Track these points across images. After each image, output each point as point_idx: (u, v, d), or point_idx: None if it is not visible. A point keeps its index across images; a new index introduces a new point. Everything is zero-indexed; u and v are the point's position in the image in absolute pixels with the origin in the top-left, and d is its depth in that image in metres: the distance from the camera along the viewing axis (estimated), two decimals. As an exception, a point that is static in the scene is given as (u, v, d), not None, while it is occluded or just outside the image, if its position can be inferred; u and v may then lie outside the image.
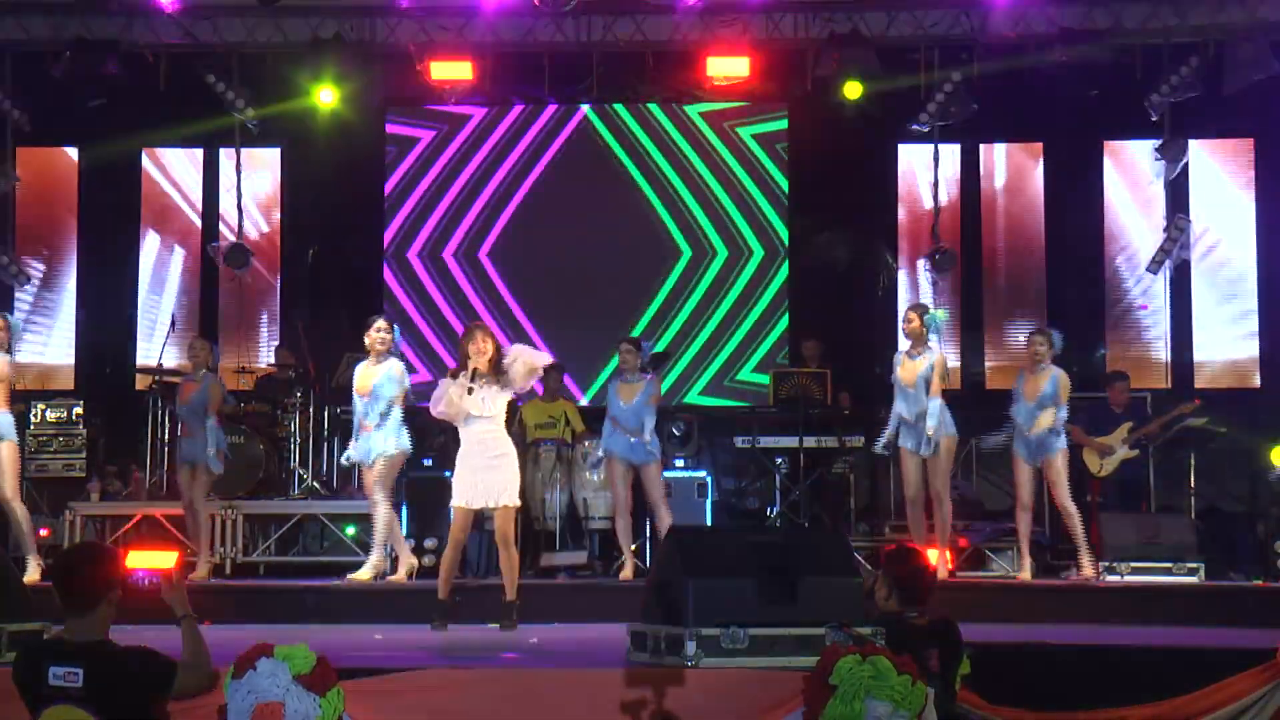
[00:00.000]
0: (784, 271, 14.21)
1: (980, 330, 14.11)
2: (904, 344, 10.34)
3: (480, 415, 8.43)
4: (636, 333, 13.48)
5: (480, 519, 9.14)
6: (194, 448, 10.40)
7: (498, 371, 8.44)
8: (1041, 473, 10.27)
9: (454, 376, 8.45)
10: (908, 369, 10.01)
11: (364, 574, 9.87)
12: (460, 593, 9.35)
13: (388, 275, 14.30)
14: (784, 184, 14.29)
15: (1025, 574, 10.25)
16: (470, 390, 8.37)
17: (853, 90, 12.65)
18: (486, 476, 8.45)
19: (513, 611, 8.57)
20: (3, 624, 6.43)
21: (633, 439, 10.35)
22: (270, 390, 12.65)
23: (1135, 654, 6.82)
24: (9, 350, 9.81)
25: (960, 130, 13.40)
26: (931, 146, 13.39)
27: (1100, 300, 14.16)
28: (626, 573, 10.33)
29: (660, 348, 13.71)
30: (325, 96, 12.80)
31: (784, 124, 14.30)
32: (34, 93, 12.94)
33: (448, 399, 8.40)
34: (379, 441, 9.85)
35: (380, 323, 9.93)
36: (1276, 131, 13.76)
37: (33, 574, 9.51)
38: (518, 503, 8.63)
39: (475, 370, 8.39)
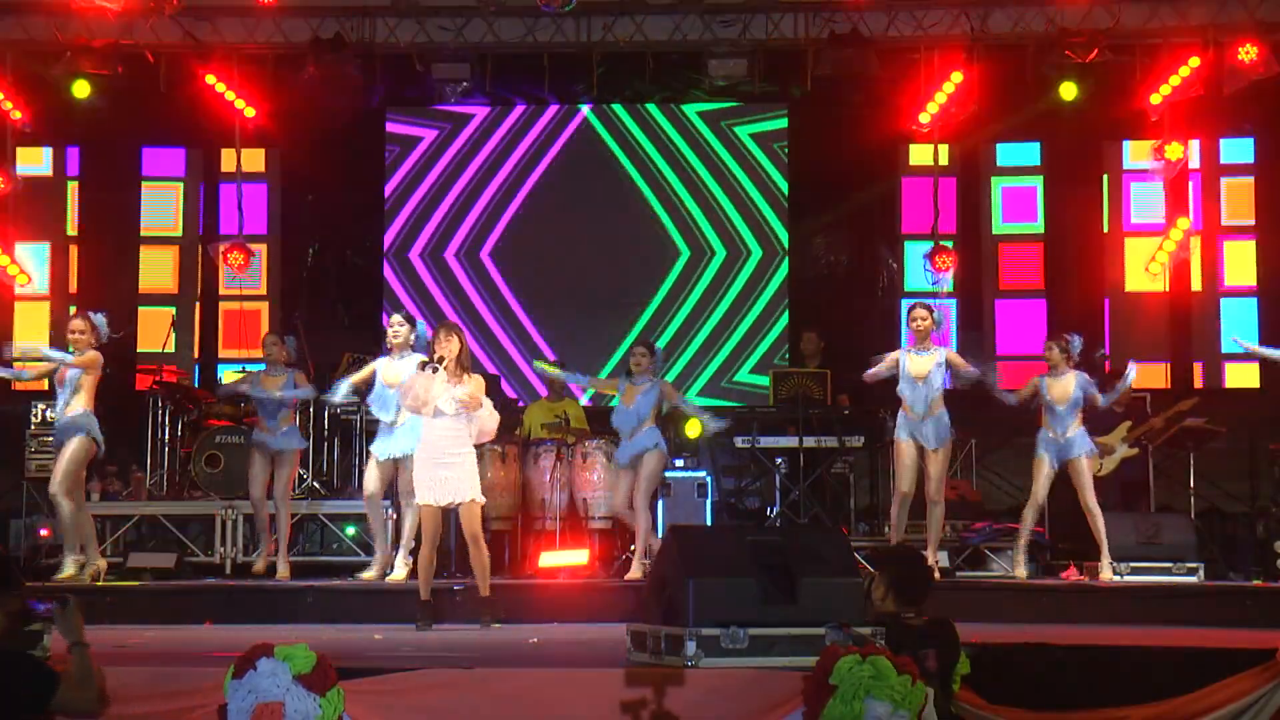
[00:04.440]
0: (784, 271, 14.22)
1: (980, 330, 14.11)
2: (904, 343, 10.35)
3: (444, 412, 8.46)
4: (635, 332, 13.53)
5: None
6: (281, 439, 10.51)
7: (462, 369, 8.51)
8: (1065, 473, 10.27)
9: (422, 369, 8.51)
10: (917, 364, 10.04)
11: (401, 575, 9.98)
12: (459, 593, 9.36)
13: (389, 274, 14.30)
14: (783, 184, 14.30)
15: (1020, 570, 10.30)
16: (434, 369, 8.42)
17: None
18: (446, 474, 8.48)
19: (490, 607, 8.60)
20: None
21: (628, 440, 10.36)
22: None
23: (1135, 654, 6.81)
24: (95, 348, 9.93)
25: (960, 130, 13.40)
26: (932, 147, 13.39)
27: (1100, 300, 14.17)
28: (633, 573, 10.33)
29: (661, 343, 13.75)
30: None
31: (784, 124, 14.31)
32: (34, 93, 12.94)
33: (414, 391, 8.47)
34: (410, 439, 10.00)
35: (397, 315, 10.11)
36: (1276, 131, 13.76)
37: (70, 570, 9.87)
38: (482, 499, 8.66)
39: (441, 358, 8.44)
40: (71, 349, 9.92)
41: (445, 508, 8.63)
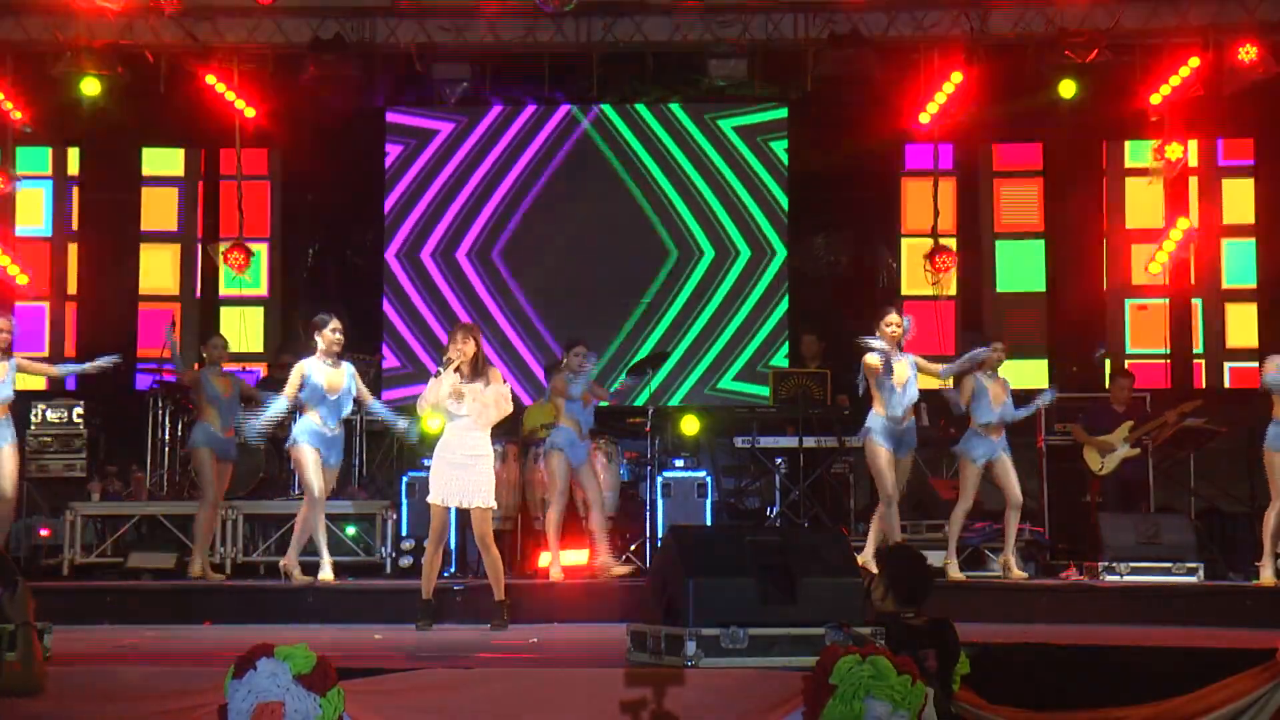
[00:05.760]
0: (784, 272, 14.22)
1: (979, 329, 14.11)
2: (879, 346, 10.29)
3: (459, 414, 8.45)
4: (627, 331, 13.53)
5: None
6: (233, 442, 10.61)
7: (477, 371, 8.48)
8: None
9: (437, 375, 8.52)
10: (900, 369, 10.05)
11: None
12: (459, 593, 9.36)
13: (392, 274, 14.30)
14: (784, 184, 14.28)
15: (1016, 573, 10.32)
16: (437, 373, 8.40)
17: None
18: (460, 474, 8.47)
19: (503, 611, 8.60)
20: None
21: (581, 440, 10.37)
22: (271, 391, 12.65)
23: (1135, 654, 6.82)
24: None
25: (960, 130, 13.40)
26: (931, 146, 13.39)
27: (1099, 300, 14.19)
28: (556, 573, 10.26)
29: (656, 347, 13.75)
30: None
31: (784, 124, 14.29)
32: (34, 93, 12.96)
33: (426, 394, 8.50)
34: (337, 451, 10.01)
35: (336, 322, 9.93)
36: (1276, 131, 13.77)
37: None
38: (492, 504, 8.62)
39: (449, 360, 8.43)
40: None
41: (456, 509, 8.61)
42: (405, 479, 11.52)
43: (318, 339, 9.87)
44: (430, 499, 8.58)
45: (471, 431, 8.49)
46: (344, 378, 9.90)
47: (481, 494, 8.49)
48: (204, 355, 10.93)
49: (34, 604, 5.08)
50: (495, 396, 8.49)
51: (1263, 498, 10.11)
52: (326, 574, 9.93)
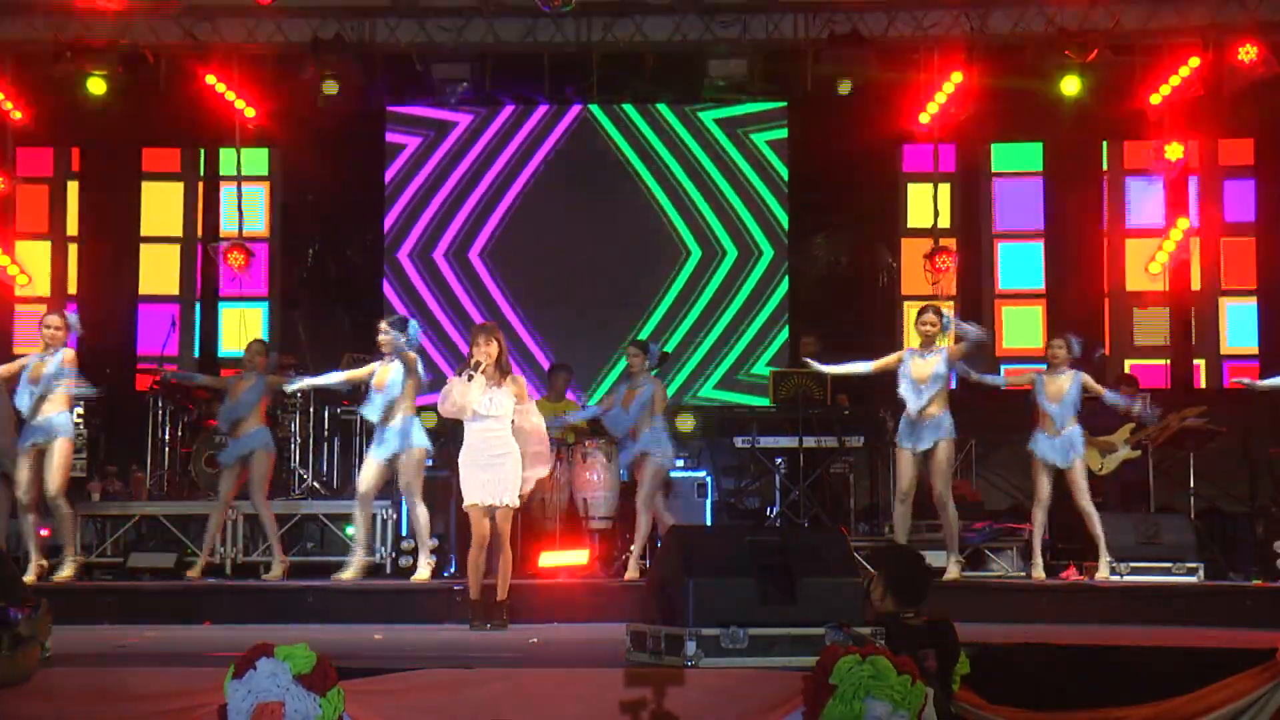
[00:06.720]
0: (784, 271, 14.22)
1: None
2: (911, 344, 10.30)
3: (486, 414, 8.49)
4: (638, 334, 13.52)
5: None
6: (246, 443, 10.52)
7: (502, 372, 8.54)
8: (1063, 474, 10.22)
9: (459, 375, 8.54)
10: (920, 367, 10.03)
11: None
12: (460, 593, 9.35)
13: (392, 274, 14.31)
14: (784, 184, 14.29)
15: (1038, 573, 10.26)
16: (469, 376, 8.45)
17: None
18: (489, 475, 8.51)
19: (503, 611, 8.61)
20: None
21: (630, 441, 10.40)
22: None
23: (1135, 654, 6.81)
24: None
25: (960, 130, 13.40)
26: (931, 147, 13.40)
27: (1099, 300, 14.19)
28: (630, 573, 10.35)
29: (668, 348, 13.75)
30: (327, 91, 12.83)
31: (784, 124, 14.30)
32: (34, 93, 12.96)
33: (451, 396, 8.51)
34: (399, 439, 9.97)
35: (382, 323, 10.05)
36: (1276, 131, 13.77)
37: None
38: (517, 503, 8.67)
39: (478, 363, 8.45)
40: (47, 345, 9.93)
41: (490, 507, 8.63)
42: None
43: None
44: (465, 505, 8.61)
45: (496, 431, 8.55)
46: (391, 372, 9.93)
47: (508, 492, 8.55)
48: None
49: (50, 627, 5.12)
50: (534, 412, 8.73)
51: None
52: (351, 572, 9.96)
